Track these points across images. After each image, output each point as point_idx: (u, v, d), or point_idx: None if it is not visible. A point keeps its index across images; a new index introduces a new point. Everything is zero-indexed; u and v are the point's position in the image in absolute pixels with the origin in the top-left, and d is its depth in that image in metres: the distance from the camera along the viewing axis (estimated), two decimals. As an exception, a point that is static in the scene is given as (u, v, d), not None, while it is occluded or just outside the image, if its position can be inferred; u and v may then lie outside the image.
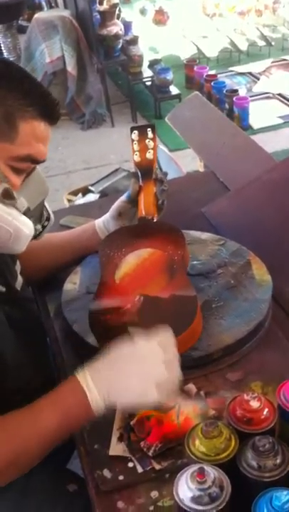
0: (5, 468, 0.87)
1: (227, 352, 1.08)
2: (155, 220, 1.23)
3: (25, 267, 1.19)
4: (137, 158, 1.30)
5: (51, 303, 1.29)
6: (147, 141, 1.31)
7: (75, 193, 2.70)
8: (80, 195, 2.67)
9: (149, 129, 1.32)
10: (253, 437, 0.78)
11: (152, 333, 0.93)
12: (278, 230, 1.39)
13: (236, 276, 1.23)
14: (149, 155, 1.30)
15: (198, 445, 0.78)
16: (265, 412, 0.80)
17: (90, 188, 2.68)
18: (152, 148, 1.30)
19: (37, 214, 1.06)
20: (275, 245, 1.34)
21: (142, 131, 1.32)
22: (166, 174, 1.32)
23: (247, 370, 1.07)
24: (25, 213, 1.00)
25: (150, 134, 1.31)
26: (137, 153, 1.30)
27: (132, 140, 1.32)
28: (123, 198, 1.31)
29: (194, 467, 0.73)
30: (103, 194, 2.58)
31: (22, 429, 0.88)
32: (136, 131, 1.32)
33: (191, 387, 1.03)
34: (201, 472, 0.72)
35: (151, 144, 1.31)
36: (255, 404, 0.80)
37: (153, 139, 1.31)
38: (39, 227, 1.07)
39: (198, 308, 1.05)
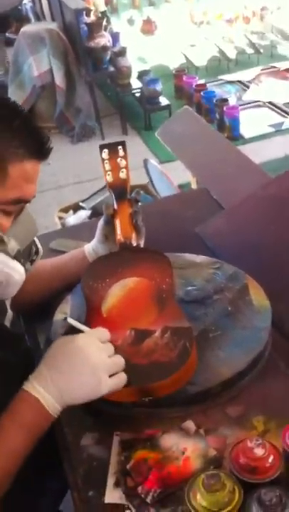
0: None
1: (226, 386, 1.02)
2: (134, 243, 1.17)
3: (13, 297, 1.14)
4: (109, 178, 1.23)
5: (41, 334, 1.24)
6: (119, 159, 1.23)
7: (66, 210, 2.65)
8: (71, 211, 2.62)
9: (119, 147, 1.24)
10: (258, 487, 0.72)
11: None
12: (277, 250, 1.33)
13: (234, 302, 1.17)
14: (122, 174, 1.23)
15: (200, 499, 0.73)
16: (270, 460, 0.75)
17: (81, 204, 2.63)
18: (125, 167, 1.23)
19: (26, 253, 1.01)
20: (273, 267, 1.29)
21: (112, 149, 1.25)
22: (138, 193, 1.25)
23: (248, 404, 1.01)
24: (15, 256, 0.96)
25: (121, 152, 1.24)
26: (109, 173, 1.23)
27: (103, 159, 1.24)
28: (101, 222, 1.25)
29: (196, 525, 0.68)
30: (95, 210, 2.54)
31: None
32: (106, 150, 1.24)
33: (190, 424, 0.98)
34: (204, 532, 0.66)
35: (123, 162, 1.23)
36: (259, 451, 0.75)
37: (124, 157, 1.24)
38: (28, 265, 1.02)
39: (194, 341, 1.00)
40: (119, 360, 0.93)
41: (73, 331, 0.98)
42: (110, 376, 0.91)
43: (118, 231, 1.19)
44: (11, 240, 0.95)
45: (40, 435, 0.91)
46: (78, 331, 0.97)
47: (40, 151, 0.94)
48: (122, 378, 0.92)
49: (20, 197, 0.93)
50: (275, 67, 4.87)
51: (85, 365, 0.90)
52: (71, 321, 0.98)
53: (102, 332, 0.96)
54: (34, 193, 0.96)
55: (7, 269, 0.94)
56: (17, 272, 0.96)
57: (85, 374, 0.90)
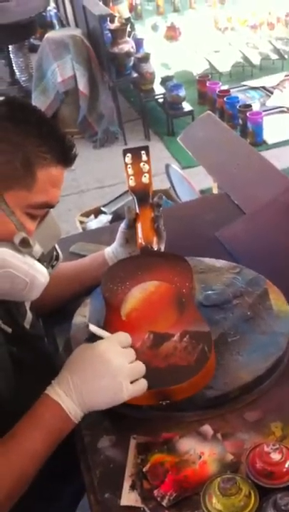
0: (5, 498, 0.85)
1: (244, 390, 1.01)
2: (155, 247, 1.18)
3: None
4: (132, 182, 1.24)
5: (60, 336, 1.25)
6: (142, 164, 1.25)
7: (87, 215, 2.67)
8: (92, 216, 2.64)
9: (143, 152, 1.26)
10: (274, 492, 0.72)
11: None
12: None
13: (253, 307, 1.17)
14: (145, 179, 1.24)
15: (216, 503, 0.72)
16: (287, 465, 0.75)
17: (102, 209, 2.64)
18: (148, 172, 1.24)
19: (49, 257, 1.03)
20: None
21: (135, 153, 1.26)
22: (160, 197, 1.26)
23: (266, 409, 1.01)
24: (39, 259, 0.98)
25: (144, 157, 1.25)
26: (132, 177, 1.24)
27: (126, 164, 1.25)
28: (123, 225, 1.26)
29: (211, 529, 0.68)
30: (116, 215, 2.55)
31: (10, 457, 0.87)
32: (129, 154, 1.26)
33: (207, 428, 0.98)
34: (219, 536, 0.66)
35: (146, 167, 1.25)
36: (276, 456, 0.74)
37: (147, 162, 1.25)
38: (50, 269, 1.03)
39: (212, 345, 1.00)
40: (140, 367, 0.93)
41: (95, 337, 0.99)
42: (131, 382, 0.91)
43: (140, 235, 1.19)
44: (36, 243, 0.97)
45: (60, 439, 0.91)
46: (100, 337, 0.98)
47: (67, 158, 0.97)
48: (143, 385, 0.93)
49: (46, 201, 0.95)
50: (299, 73, 4.85)
51: (107, 370, 0.90)
52: (92, 327, 0.99)
53: (124, 337, 0.97)
54: (58, 198, 0.98)
55: (32, 271, 0.95)
56: (42, 274, 0.98)
57: (106, 379, 0.90)
